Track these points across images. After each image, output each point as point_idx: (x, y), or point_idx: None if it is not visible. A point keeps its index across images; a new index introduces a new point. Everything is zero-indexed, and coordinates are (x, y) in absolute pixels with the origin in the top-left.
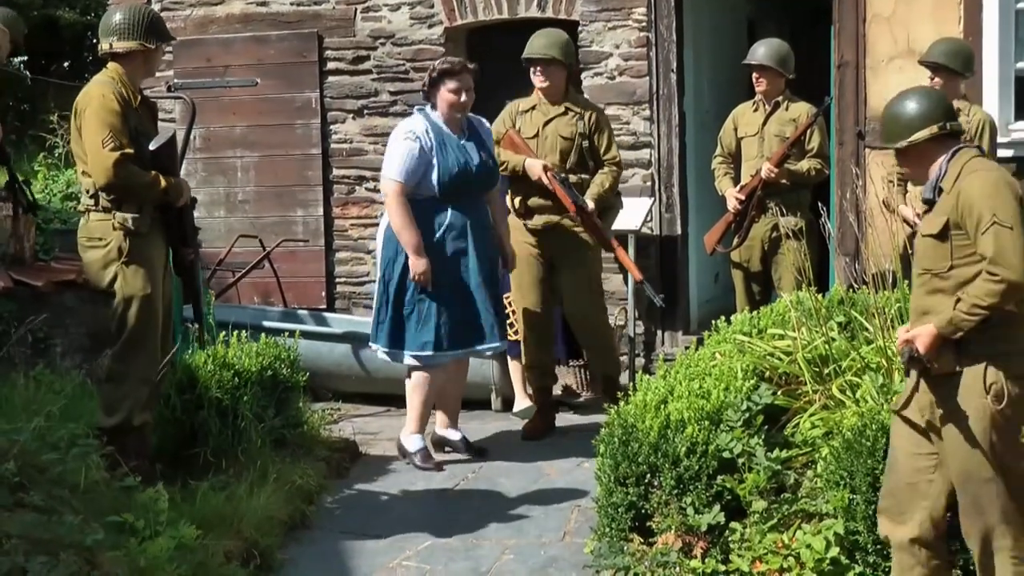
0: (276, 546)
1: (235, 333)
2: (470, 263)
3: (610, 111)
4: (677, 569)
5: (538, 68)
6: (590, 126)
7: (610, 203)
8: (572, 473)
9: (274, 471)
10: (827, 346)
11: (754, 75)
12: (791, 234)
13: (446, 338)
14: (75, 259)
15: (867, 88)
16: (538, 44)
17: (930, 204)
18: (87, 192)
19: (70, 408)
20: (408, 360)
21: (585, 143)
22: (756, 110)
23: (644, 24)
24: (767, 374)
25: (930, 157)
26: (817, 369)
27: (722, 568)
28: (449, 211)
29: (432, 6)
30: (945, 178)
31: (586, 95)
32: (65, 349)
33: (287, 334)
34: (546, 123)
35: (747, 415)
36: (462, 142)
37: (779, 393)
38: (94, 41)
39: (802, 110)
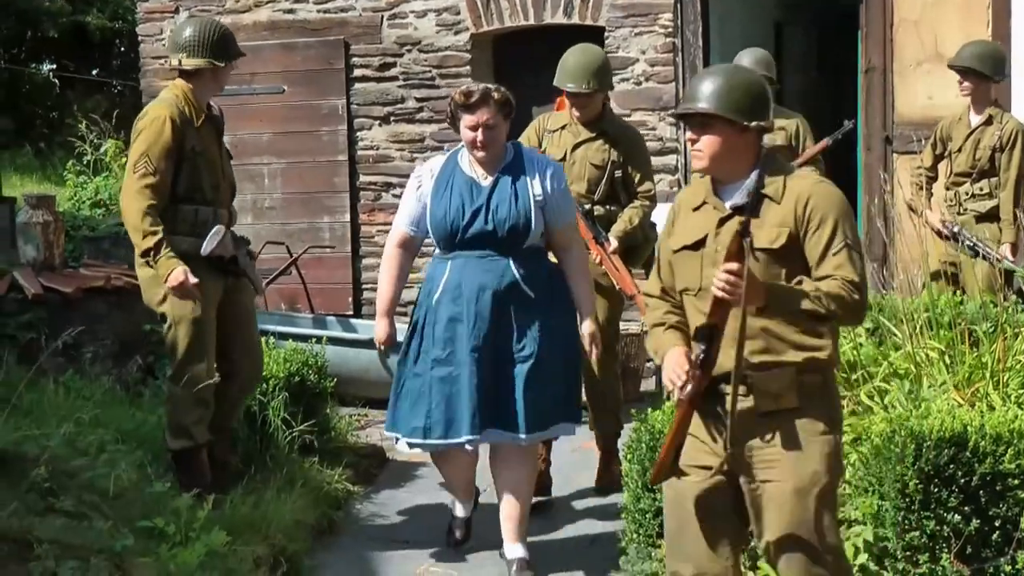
0: (304, 552)
1: (263, 339)
2: (465, 333)
3: (636, 116)
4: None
5: (574, 99)
6: (625, 154)
7: (638, 240)
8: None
9: (302, 477)
10: (855, 352)
11: None
12: None
13: (443, 424)
14: (104, 266)
15: (894, 93)
16: (573, 73)
17: (743, 211)
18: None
19: (100, 414)
20: (402, 447)
21: (618, 172)
22: None
23: (670, 30)
24: None
25: (741, 153)
26: (845, 375)
27: (750, 573)
28: (448, 267)
29: (458, 13)
30: (768, 185)
31: (612, 101)
32: (95, 355)
33: (314, 340)
34: (576, 146)
35: None
36: (485, 184)
37: None
38: (122, 49)
39: (789, 121)
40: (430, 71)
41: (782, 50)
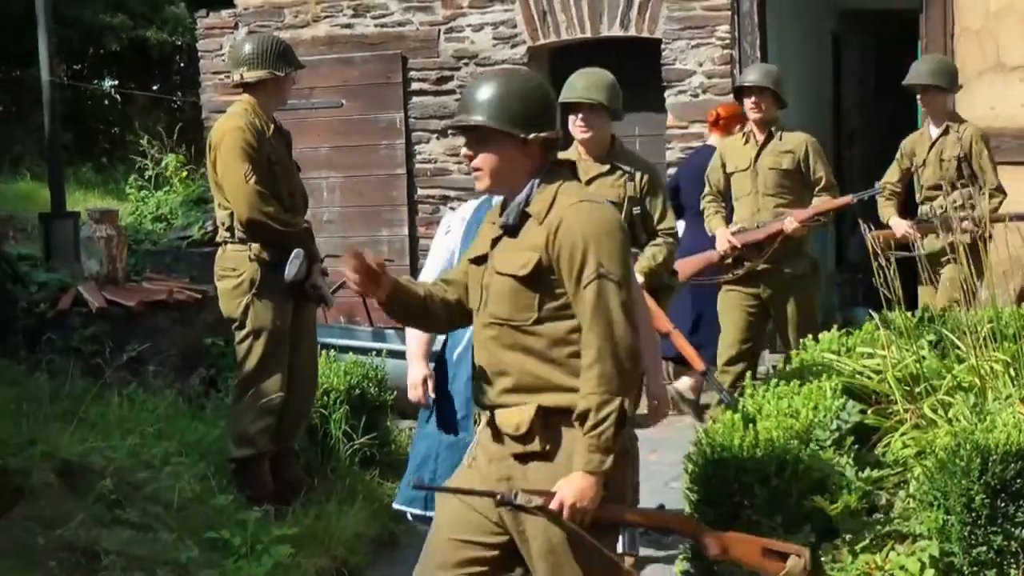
0: (365, 564)
1: (323, 352)
2: None
3: (693, 129)
4: None
5: (579, 115)
6: (642, 188)
7: (665, 281)
8: (661, 493)
9: (363, 489)
10: (918, 364)
11: (749, 102)
12: (797, 279)
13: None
14: (166, 279)
15: (955, 104)
16: (580, 85)
17: (508, 232)
18: (223, 224)
19: (164, 427)
20: (407, 513)
21: (636, 209)
22: (746, 143)
23: (727, 42)
24: (856, 393)
25: (524, 167)
26: (908, 388)
27: None
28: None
29: (515, 26)
30: (534, 202)
31: (669, 114)
32: (158, 369)
33: (374, 353)
34: (588, 183)
35: (837, 434)
36: None
37: (869, 412)
38: (182, 64)
39: (798, 140)
40: None
41: (840, 61)
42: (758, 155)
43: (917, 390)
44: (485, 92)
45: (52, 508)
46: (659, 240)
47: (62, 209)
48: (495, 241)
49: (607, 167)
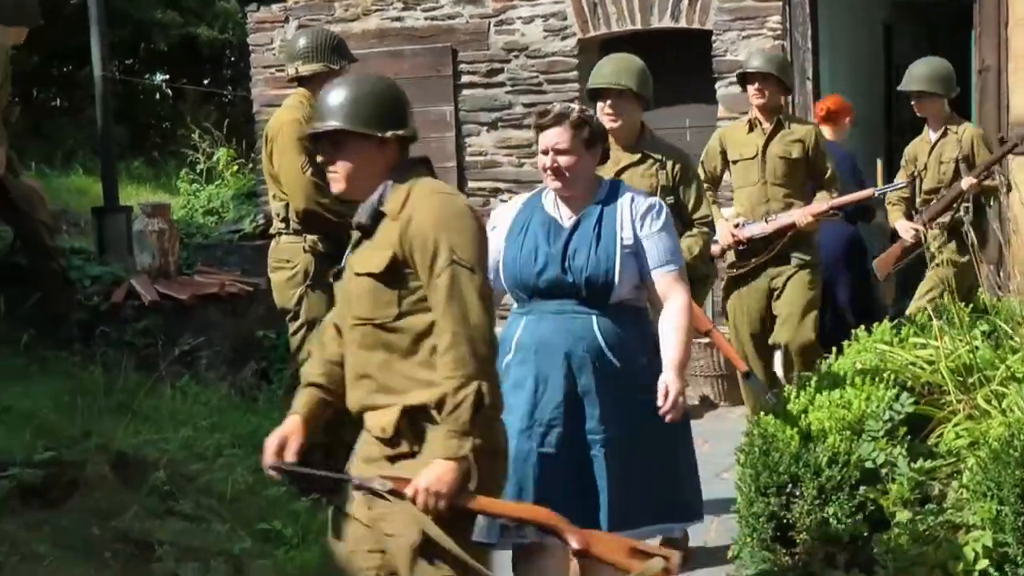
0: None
1: None
2: (524, 402)
3: (746, 119)
4: None
5: (607, 101)
6: (674, 177)
7: (701, 272)
8: (712, 484)
9: None
10: (971, 355)
11: (752, 89)
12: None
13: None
14: (217, 273)
15: (1009, 94)
16: (607, 71)
17: (364, 232)
18: (278, 216)
19: (216, 419)
20: None
21: (669, 198)
22: (751, 130)
23: (779, 32)
24: (909, 383)
25: (381, 168)
26: (961, 378)
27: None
28: (525, 322)
29: (565, 18)
30: (388, 201)
31: (720, 105)
32: (210, 361)
33: None
34: (618, 173)
35: (889, 425)
36: (566, 226)
37: (922, 403)
38: (232, 59)
39: (807, 130)
40: (537, 77)
41: (892, 51)
42: (767, 143)
43: (970, 380)
44: (338, 97)
45: (107, 500)
46: (694, 231)
47: (115, 203)
48: (354, 246)
49: (638, 156)
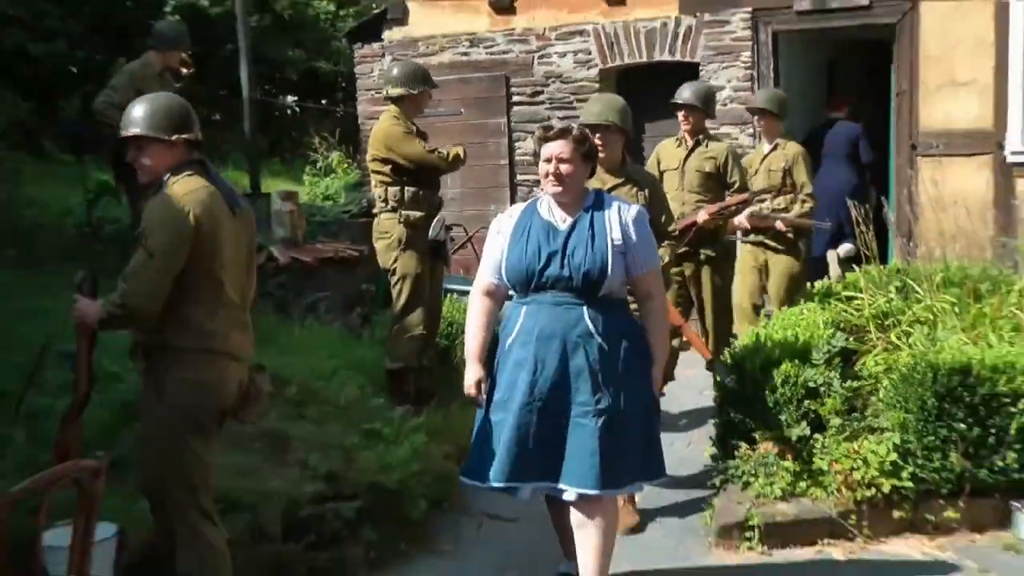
0: None
1: (447, 296)
2: (525, 380)
3: (724, 130)
4: (774, 468)
5: (596, 135)
6: (647, 198)
7: (667, 276)
8: (697, 400)
9: None
10: (887, 304)
11: (680, 115)
12: (709, 260)
13: (493, 467)
14: (333, 242)
15: (919, 111)
16: (595, 111)
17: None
18: (380, 198)
19: (332, 349)
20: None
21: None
22: (679, 146)
23: (748, 64)
24: (842, 325)
25: (165, 163)
26: (879, 322)
27: (807, 468)
28: (525, 311)
29: (590, 53)
30: (165, 190)
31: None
32: (327, 307)
33: None
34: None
35: (827, 355)
36: (562, 228)
37: (851, 340)
38: (343, 84)
39: (720, 148)
40: (568, 97)
41: (835, 79)
42: (686, 158)
43: (886, 323)
44: (139, 111)
45: None
46: (665, 243)
47: (258, 191)
48: None
49: (621, 179)
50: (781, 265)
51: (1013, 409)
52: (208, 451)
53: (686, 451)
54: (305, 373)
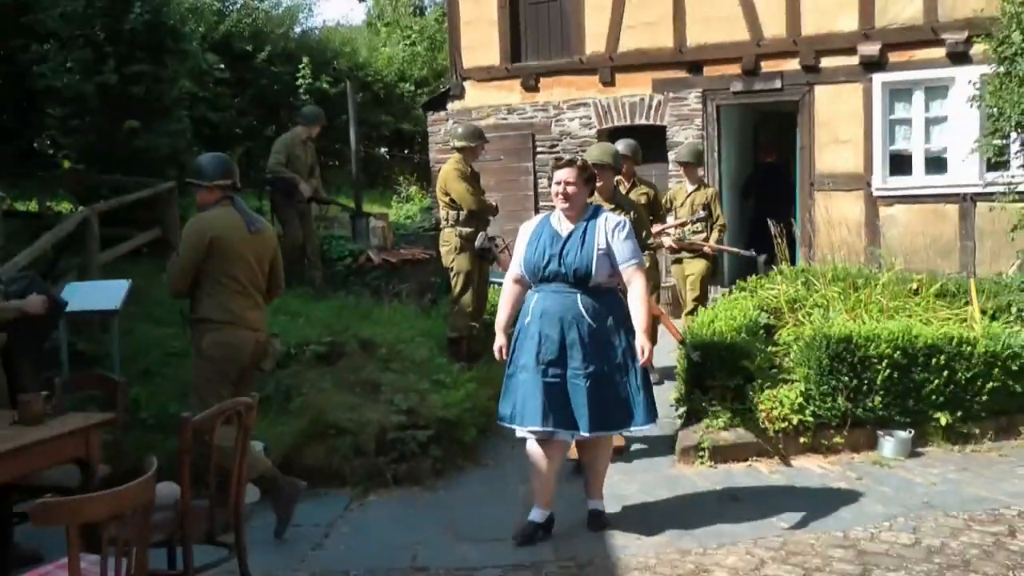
0: None
1: (492, 286)
2: (533, 349)
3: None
4: (718, 408)
5: (595, 172)
6: (633, 221)
7: (649, 277)
8: (665, 359)
9: None
10: (796, 292)
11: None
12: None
13: (520, 415)
14: (411, 248)
15: (815, 160)
16: (595, 153)
17: None
18: (444, 218)
19: (411, 322)
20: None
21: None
22: (619, 186)
23: (700, 126)
24: (765, 307)
25: (204, 200)
26: (791, 305)
27: (741, 408)
28: (536, 297)
29: (590, 118)
30: None
31: (670, 165)
32: (407, 293)
33: None
34: None
35: (755, 328)
36: (564, 235)
37: (771, 318)
38: (418, 140)
39: (647, 189)
40: (576, 149)
41: (759, 137)
42: (627, 192)
43: (796, 306)
44: (193, 163)
45: (356, 362)
46: (645, 253)
47: (360, 212)
48: None
49: (612, 206)
50: (698, 267)
51: (879, 367)
52: (230, 394)
53: (658, 395)
54: (391, 339)
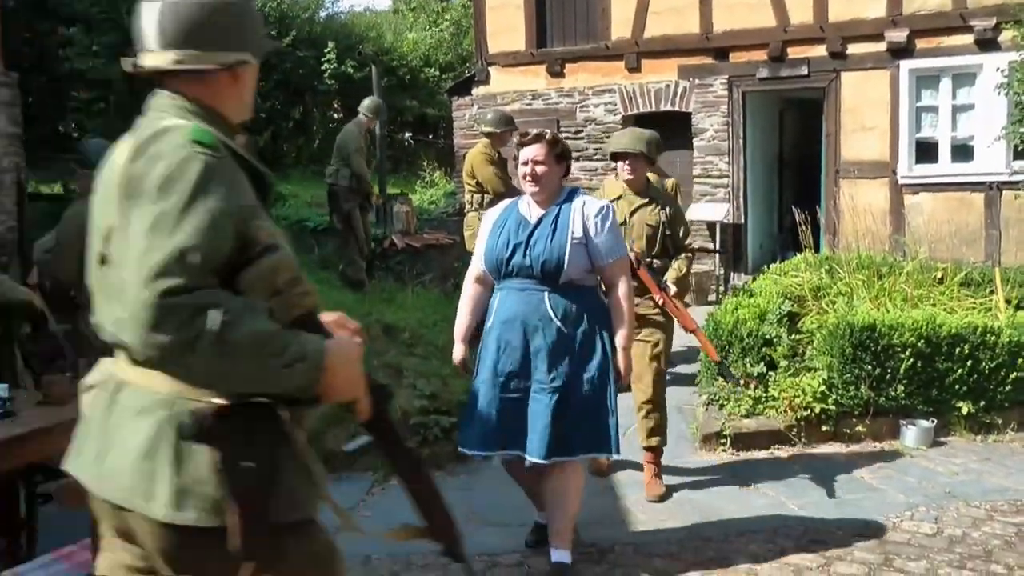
0: None
1: None
2: (491, 358)
3: (708, 157)
4: (741, 395)
5: (626, 161)
6: (670, 217)
7: (685, 284)
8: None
9: None
10: (820, 281)
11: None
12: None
13: (465, 436)
14: (435, 233)
15: (841, 147)
16: (625, 141)
17: None
18: (468, 202)
19: (434, 307)
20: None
21: (668, 231)
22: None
23: (726, 113)
24: (788, 295)
25: None
26: (815, 293)
27: (764, 395)
28: (499, 296)
29: (615, 104)
30: None
31: (695, 151)
32: (430, 278)
33: None
34: (632, 212)
35: (779, 316)
36: (533, 222)
37: (794, 306)
38: (443, 124)
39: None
40: (600, 135)
41: (784, 125)
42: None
43: (819, 294)
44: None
45: (378, 346)
46: (682, 256)
47: (385, 196)
48: None
49: (646, 200)
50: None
51: (902, 355)
52: None
53: (676, 379)
54: (415, 323)
